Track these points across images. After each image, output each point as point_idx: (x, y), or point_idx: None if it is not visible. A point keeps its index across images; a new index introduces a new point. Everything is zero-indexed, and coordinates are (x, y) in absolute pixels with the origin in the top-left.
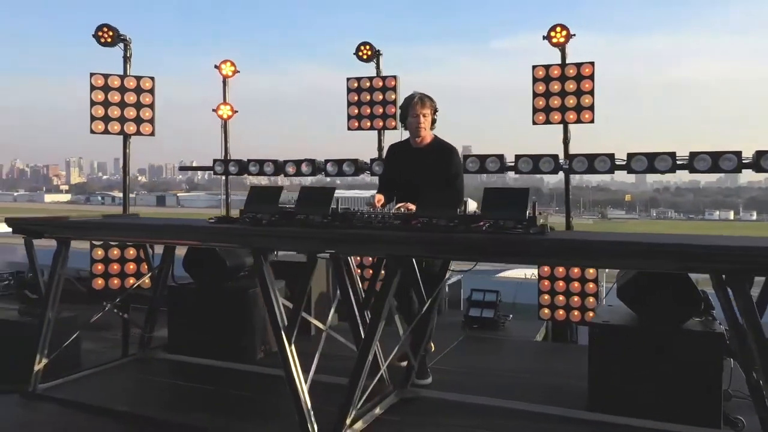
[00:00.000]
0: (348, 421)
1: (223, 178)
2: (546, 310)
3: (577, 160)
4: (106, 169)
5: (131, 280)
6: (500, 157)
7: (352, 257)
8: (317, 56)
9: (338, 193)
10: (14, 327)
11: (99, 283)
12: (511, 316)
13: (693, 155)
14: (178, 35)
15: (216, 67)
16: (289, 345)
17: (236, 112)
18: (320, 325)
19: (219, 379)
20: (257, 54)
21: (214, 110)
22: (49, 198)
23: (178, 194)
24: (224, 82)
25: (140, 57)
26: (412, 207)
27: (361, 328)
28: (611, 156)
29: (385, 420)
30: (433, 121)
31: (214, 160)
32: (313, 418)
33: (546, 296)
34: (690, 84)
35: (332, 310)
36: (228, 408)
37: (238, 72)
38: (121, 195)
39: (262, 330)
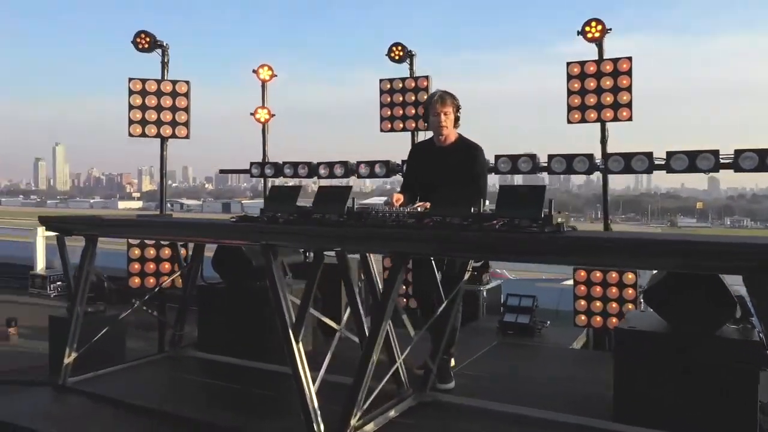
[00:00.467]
0: (353, 422)
1: (270, 181)
2: (582, 317)
3: (613, 160)
4: (175, 177)
5: (167, 279)
6: (533, 156)
7: (370, 256)
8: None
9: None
10: (63, 323)
11: (136, 281)
12: (548, 322)
13: (738, 153)
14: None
15: (254, 71)
16: (296, 343)
17: (273, 115)
18: (333, 325)
19: (243, 378)
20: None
21: (251, 114)
22: (122, 205)
23: (242, 201)
24: (263, 86)
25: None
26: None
27: (366, 328)
28: (649, 155)
29: (399, 423)
30: (457, 119)
31: (251, 163)
32: (319, 418)
33: (582, 302)
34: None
35: (348, 310)
36: (248, 406)
37: (276, 76)
38: (189, 202)
39: None
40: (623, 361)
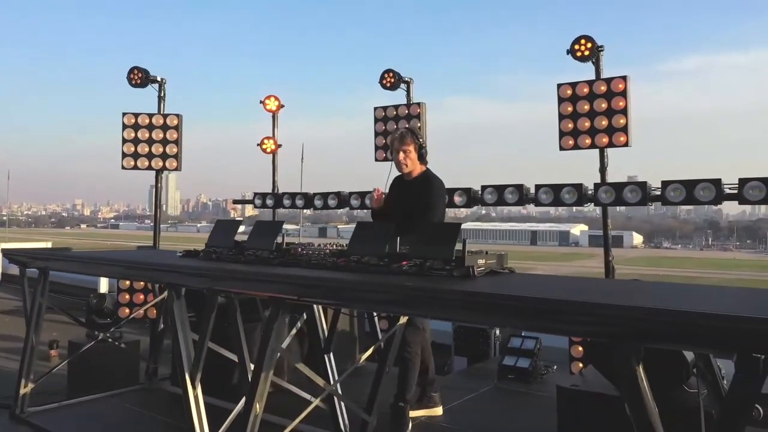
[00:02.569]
0: None
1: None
2: (579, 364)
3: (603, 190)
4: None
5: (154, 311)
6: (519, 187)
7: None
8: None
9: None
10: (80, 348)
11: (125, 311)
12: (555, 367)
13: (743, 182)
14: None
15: (261, 102)
16: (194, 388)
17: (280, 146)
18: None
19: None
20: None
21: (258, 145)
22: None
23: (338, 226)
24: (274, 118)
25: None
26: None
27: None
28: (642, 185)
29: None
30: (422, 155)
31: (255, 194)
32: None
33: (579, 347)
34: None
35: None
36: None
37: (283, 107)
38: (289, 227)
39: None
40: (565, 422)
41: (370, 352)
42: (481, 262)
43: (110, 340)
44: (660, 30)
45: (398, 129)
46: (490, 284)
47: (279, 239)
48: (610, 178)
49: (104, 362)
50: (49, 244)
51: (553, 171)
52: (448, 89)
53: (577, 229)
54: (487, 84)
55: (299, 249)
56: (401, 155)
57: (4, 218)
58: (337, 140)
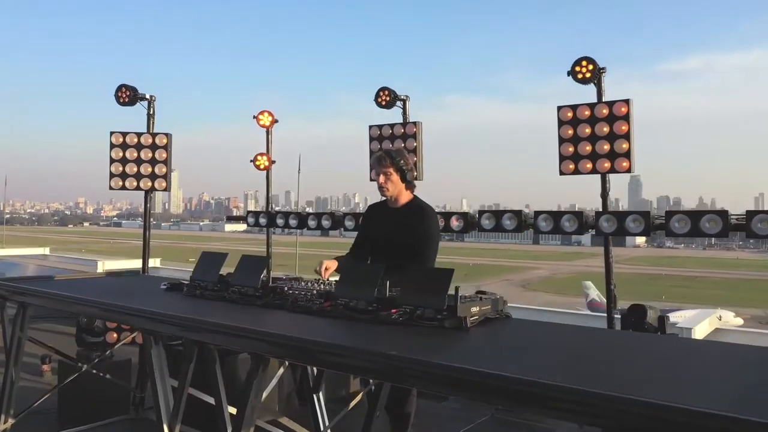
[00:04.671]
0: None
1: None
2: None
3: (604, 219)
4: (278, 201)
5: (141, 336)
6: (518, 213)
7: None
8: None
9: None
10: (73, 370)
11: (113, 336)
12: None
13: (751, 214)
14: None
15: (254, 117)
16: None
17: (274, 162)
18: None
19: None
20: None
21: (251, 161)
22: (228, 227)
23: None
24: (268, 133)
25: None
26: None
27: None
28: (646, 215)
29: None
30: (407, 180)
31: (248, 212)
32: None
33: None
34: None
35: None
36: None
37: (277, 122)
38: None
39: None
40: None
41: (359, 398)
42: (474, 310)
43: (94, 371)
44: (661, 30)
45: (380, 149)
46: (481, 341)
47: (264, 275)
48: (611, 178)
49: (94, 388)
50: (47, 250)
51: (555, 175)
52: (448, 89)
53: None
54: (487, 84)
55: (285, 287)
56: (381, 178)
57: (7, 215)
58: (338, 140)
